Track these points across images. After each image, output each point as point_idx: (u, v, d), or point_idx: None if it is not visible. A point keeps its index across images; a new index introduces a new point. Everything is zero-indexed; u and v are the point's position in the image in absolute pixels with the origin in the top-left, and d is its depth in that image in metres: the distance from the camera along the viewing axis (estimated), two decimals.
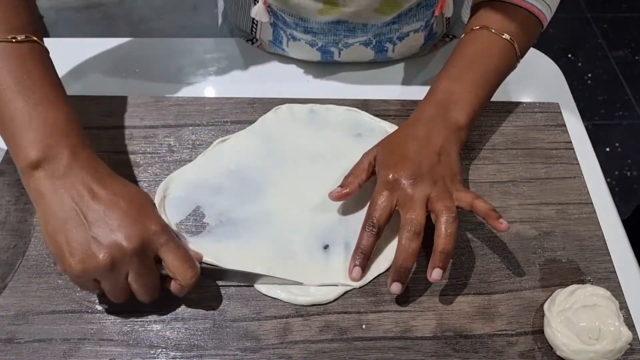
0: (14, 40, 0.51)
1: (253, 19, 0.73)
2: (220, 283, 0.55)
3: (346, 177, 0.59)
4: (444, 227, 0.52)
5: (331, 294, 0.54)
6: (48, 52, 0.54)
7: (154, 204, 0.51)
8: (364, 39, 0.71)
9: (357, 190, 0.58)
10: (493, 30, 0.63)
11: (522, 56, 0.65)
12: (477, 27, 0.64)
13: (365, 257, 0.55)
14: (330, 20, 0.68)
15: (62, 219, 0.47)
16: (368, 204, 0.61)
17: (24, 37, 0.51)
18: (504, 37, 0.62)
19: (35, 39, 0.53)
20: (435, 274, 0.52)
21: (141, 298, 0.50)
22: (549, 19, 0.66)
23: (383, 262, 0.57)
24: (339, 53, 0.73)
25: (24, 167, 0.49)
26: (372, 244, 0.55)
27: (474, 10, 0.67)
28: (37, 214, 0.49)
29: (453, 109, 0.60)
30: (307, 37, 0.71)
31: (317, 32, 0.70)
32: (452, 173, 0.57)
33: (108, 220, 0.47)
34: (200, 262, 0.55)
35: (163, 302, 0.53)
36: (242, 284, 0.55)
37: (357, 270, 0.55)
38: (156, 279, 0.50)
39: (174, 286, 0.50)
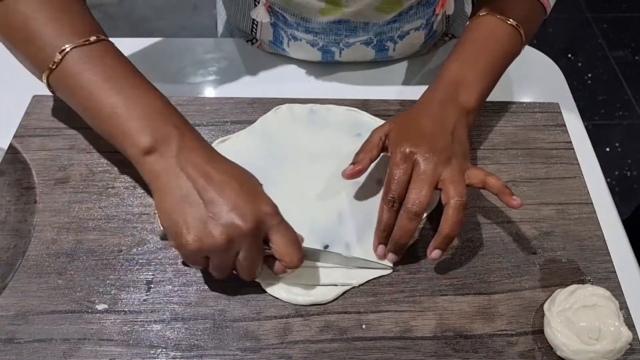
0: (87, 43, 0.53)
1: (253, 19, 0.73)
2: (220, 283, 0.55)
3: (357, 154, 0.59)
4: (452, 212, 0.53)
5: (331, 293, 0.54)
6: (117, 47, 0.56)
7: (262, 185, 0.52)
8: (365, 38, 0.71)
9: (368, 166, 0.58)
10: (499, 16, 0.63)
11: (526, 42, 0.66)
12: (484, 13, 0.64)
13: (388, 233, 0.56)
14: (332, 20, 0.68)
15: (178, 198, 0.48)
16: (369, 202, 0.61)
17: (95, 37, 0.53)
18: (509, 22, 0.63)
19: (104, 37, 0.54)
20: (434, 254, 0.54)
21: (244, 276, 0.51)
22: (552, 5, 0.67)
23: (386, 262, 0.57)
24: (340, 53, 0.73)
25: (136, 155, 0.51)
26: (394, 219, 0.55)
27: None
28: (153, 194, 0.50)
29: (463, 93, 0.60)
30: (308, 37, 0.71)
31: (319, 32, 0.70)
32: (464, 153, 0.57)
33: (223, 200, 0.48)
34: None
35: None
36: (335, 265, 0.56)
37: (381, 247, 0.56)
38: (262, 259, 0.51)
39: (278, 267, 0.52)
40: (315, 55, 0.74)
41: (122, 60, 0.55)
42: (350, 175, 0.58)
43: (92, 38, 0.53)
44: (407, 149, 0.55)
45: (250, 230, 0.48)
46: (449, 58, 0.64)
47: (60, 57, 0.52)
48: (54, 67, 0.52)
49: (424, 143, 0.56)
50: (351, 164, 0.58)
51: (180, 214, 0.48)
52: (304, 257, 0.52)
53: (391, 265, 0.57)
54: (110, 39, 0.77)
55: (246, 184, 0.50)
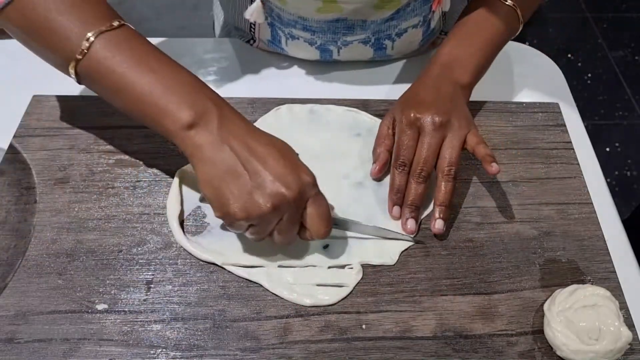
0: (112, 28, 0.52)
1: None
2: (220, 283, 0.55)
3: (374, 151, 0.64)
4: (442, 183, 0.58)
5: (334, 297, 0.54)
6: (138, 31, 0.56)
7: (298, 155, 0.54)
8: (362, 36, 0.71)
9: (388, 157, 0.62)
10: None
11: (524, 21, 0.68)
12: None
13: (402, 195, 0.60)
14: (329, 19, 0.68)
15: (223, 170, 0.50)
16: (369, 202, 0.61)
17: (117, 22, 0.53)
18: (507, 3, 0.66)
19: (124, 22, 0.54)
20: (437, 224, 0.58)
21: (282, 241, 0.53)
22: None
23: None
24: (338, 51, 0.73)
25: (177, 130, 0.51)
26: (405, 181, 0.60)
27: None
28: (194, 167, 0.51)
29: (457, 70, 0.63)
30: (306, 35, 0.71)
31: (316, 30, 0.70)
32: (467, 116, 0.61)
33: (267, 170, 0.49)
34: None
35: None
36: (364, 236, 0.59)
37: (396, 209, 0.60)
38: (299, 226, 0.53)
39: (306, 234, 0.54)
40: (314, 54, 0.74)
41: (148, 43, 0.55)
42: (378, 172, 0.62)
43: (115, 23, 0.53)
44: (412, 114, 0.60)
45: (294, 198, 0.49)
46: (445, 39, 0.67)
47: (87, 45, 0.51)
48: (81, 56, 0.52)
49: (426, 109, 0.60)
50: (373, 162, 0.63)
51: (226, 185, 0.49)
52: (330, 232, 0.53)
53: (411, 237, 0.59)
54: None
55: (287, 154, 0.52)
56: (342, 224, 0.58)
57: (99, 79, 0.53)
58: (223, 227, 0.58)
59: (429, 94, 0.61)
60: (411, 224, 0.59)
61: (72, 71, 0.53)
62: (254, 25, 0.75)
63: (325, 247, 0.58)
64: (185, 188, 0.61)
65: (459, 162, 0.59)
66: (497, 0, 0.66)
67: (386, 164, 0.62)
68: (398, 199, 0.60)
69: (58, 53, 0.53)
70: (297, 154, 0.53)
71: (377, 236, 0.59)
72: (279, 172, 0.49)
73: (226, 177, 0.50)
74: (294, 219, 0.52)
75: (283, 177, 0.49)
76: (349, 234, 0.59)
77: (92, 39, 0.51)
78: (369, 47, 0.73)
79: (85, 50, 0.51)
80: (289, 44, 0.74)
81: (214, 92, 0.54)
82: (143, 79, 0.52)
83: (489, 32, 0.65)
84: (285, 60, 0.78)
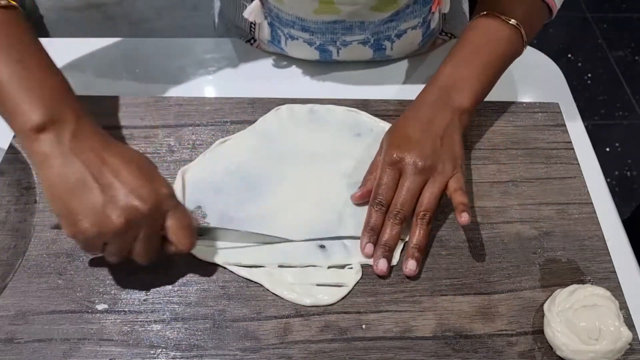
0: None
1: None
2: (220, 283, 0.55)
3: (364, 177, 0.61)
4: (416, 225, 0.56)
5: (334, 296, 0.54)
6: (28, 19, 0.53)
7: (157, 167, 0.52)
8: (361, 37, 0.71)
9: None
10: (500, 16, 0.63)
11: (528, 42, 0.65)
12: (484, 13, 0.64)
13: (375, 233, 0.57)
14: (327, 20, 0.68)
15: (72, 183, 0.47)
16: (367, 202, 0.61)
17: (6, 2, 0.50)
18: (510, 22, 0.63)
19: (15, 4, 0.51)
20: (410, 265, 0.55)
21: (141, 260, 0.51)
22: (558, 5, 0.66)
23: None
24: (338, 52, 0.73)
25: (26, 131, 0.48)
26: (381, 220, 0.57)
27: None
28: (41, 178, 0.48)
29: (456, 94, 0.60)
30: (305, 35, 0.71)
31: (315, 31, 0.70)
32: (454, 156, 0.58)
33: (121, 183, 0.47)
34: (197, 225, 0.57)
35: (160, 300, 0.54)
36: (237, 245, 0.57)
37: (369, 246, 0.56)
38: (159, 241, 0.51)
39: (169, 248, 0.51)
40: (313, 54, 0.74)
41: (30, 33, 0.52)
42: (359, 198, 0.60)
43: (3, 2, 0.50)
44: (395, 155, 0.57)
45: (149, 212, 0.47)
46: (445, 59, 0.64)
47: None
48: None
49: (410, 149, 0.57)
50: (359, 187, 0.61)
51: (76, 201, 0.46)
52: (195, 244, 0.52)
53: (293, 239, 0.57)
54: (110, 39, 0.78)
55: (143, 167, 0.50)
56: (209, 234, 0.57)
57: None
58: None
59: (417, 129, 0.59)
60: (382, 264, 0.55)
61: None
62: (254, 24, 0.75)
63: (322, 247, 0.58)
64: (187, 188, 0.61)
65: (435, 208, 0.57)
66: (500, 20, 0.63)
67: (369, 191, 0.59)
68: (371, 236, 0.57)
69: None
70: (156, 167, 0.52)
71: (252, 242, 0.57)
72: (132, 185, 0.47)
73: (76, 192, 0.46)
74: (152, 233, 0.49)
75: (137, 190, 0.47)
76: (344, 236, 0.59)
77: None
78: (369, 47, 0.73)
79: None
80: (288, 44, 0.74)
81: (78, 101, 0.51)
82: (6, 67, 0.49)
83: (492, 54, 0.63)
84: (285, 60, 0.78)
